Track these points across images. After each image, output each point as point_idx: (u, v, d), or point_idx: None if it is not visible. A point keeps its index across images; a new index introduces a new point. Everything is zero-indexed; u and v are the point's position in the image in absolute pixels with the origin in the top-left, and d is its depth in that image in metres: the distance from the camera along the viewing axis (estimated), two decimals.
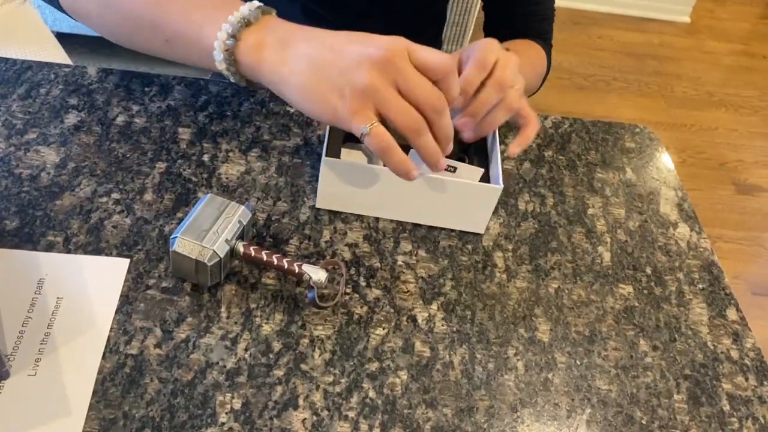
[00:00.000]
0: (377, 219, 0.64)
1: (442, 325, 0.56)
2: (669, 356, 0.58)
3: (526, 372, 0.54)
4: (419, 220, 0.64)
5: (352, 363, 0.53)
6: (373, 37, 0.51)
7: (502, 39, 0.81)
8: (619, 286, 0.63)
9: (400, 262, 0.60)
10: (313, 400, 0.50)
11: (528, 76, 0.74)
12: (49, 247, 0.56)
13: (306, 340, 0.53)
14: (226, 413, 0.48)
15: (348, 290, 0.57)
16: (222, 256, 0.52)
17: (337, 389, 0.51)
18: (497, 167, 0.62)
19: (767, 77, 2.62)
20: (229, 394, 0.49)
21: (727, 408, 0.55)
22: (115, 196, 0.61)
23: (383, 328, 0.55)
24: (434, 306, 0.58)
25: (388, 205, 0.63)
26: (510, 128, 0.76)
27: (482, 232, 0.64)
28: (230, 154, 0.67)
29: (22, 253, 0.55)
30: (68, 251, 0.56)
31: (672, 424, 0.53)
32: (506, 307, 0.59)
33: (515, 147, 0.64)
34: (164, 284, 0.55)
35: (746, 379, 0.57)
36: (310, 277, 0.52)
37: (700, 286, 0.64)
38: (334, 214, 0.63)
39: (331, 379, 0.51)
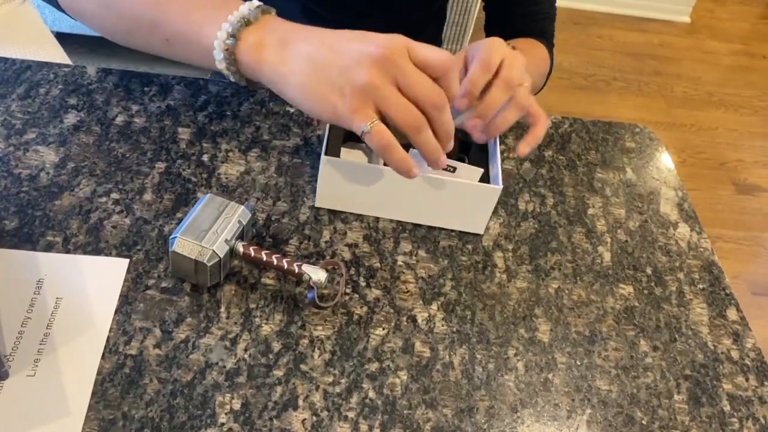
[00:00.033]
0: (377, 219, 0.64)
1: (442, 326, 0.56)
2: (669, 356, 0.58)
3: (526, 372, 0.54)
4: (419, 220, 0.64)
5: (351, 363, 0.53)
6: (372, 36, 0.51)
7: (503, 39, 0.81)
8: (619, 286, 0.63)
9: (400, 263, 0.60)
10: (313, 400, 0.50)
11: (533, 74, 0.74)
12: (49, 248, 0.56)
13: (306, 341, 0.53)
14: (226, 414, 0.48)
15: (348, 290, 0.57)
16: (221, 256, 0.52)
17: (337, 389, 0.51)
18: (497, 167, 0.62)
19: (767, 77, 2.62)
20: (229, 395, 0.49)
21: (727, 408, 0.55)
22: (115, 196, 0.61)
23: (383, 329, 0.55)
24: (434, 306, 0.58)
25: (388, 204, 0.62)
26: (511, 128, 0.76)
27: (481, 232, 0.64)
28: (230, 154, 0.67)
29: (22, 253, 0.55)
30: (67, 251, 0.56)
31: (672, 424, 0.53)
32: (506, 307, 0.59)
33: (525, 147, 0.63)
34: (164, 284, 0.55)
35: (747, 380, 0.57)
36: (310, 278, 0.52)
37: (701, 286, 0.64)
38: (334, 214, 0.63)
39: (330, 379, 0.51)
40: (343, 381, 0.51)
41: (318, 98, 0.51)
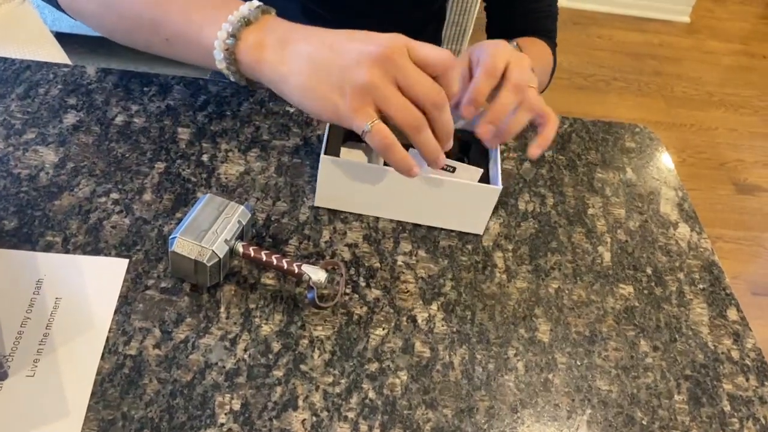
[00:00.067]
0: (377, 219, 0.64)
1: (442, 326, 0.56)
2: (669, 357, 0.58)
3: (527, 372, 0.54)
4: (418, 220, 0.64)
5: (351, 363, 0.52)
6: (372, 35, 0.51)
7: (506, 38, 0.81)
8: (619, 286, 0.62)
9: (399, 263, 0.60)
10: (313, 400, 0.50)
11: (537, 74, 0.74)
12: (48, 248, 0.56)
13: (305, 341, 0.53)
14: (226, 414, 0.48)
15: (348, 290, 0.57)
16: (221, 256, 0.51)
17: (337, 390, 0.51)
18: (497, 167, 0.62)
19: (767, 77, 2.62)
20: (229, 395, 0.49)
21: (727, 408, 0.55)
22: (114, 196, 0.61)
23: (383, 329, 0.55)
24: (434, 306, 0.57)
25: (387, 204, 0.62)
26: None
27: (481, 232, 0.64)
28: (229, 154, 0.67)
29: (21, 253, 0.55)
30: (67, 251, 0.56)
31: (672, 424, 0.53)
32: (506, 307, 0.59)
33: (536, 149, 0.61)
34: (163, 284, 0.55)
35: (747, 380, 0.57)
36: (310, 278, 0.52)
37: (701, 286, 0.64)
38: (334, 214, 0.63)
39: (330, 379, 0.51)
40: (343, 381, 0.51)
41: (318, 97, 0.51)
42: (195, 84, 0.73)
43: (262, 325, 0.54)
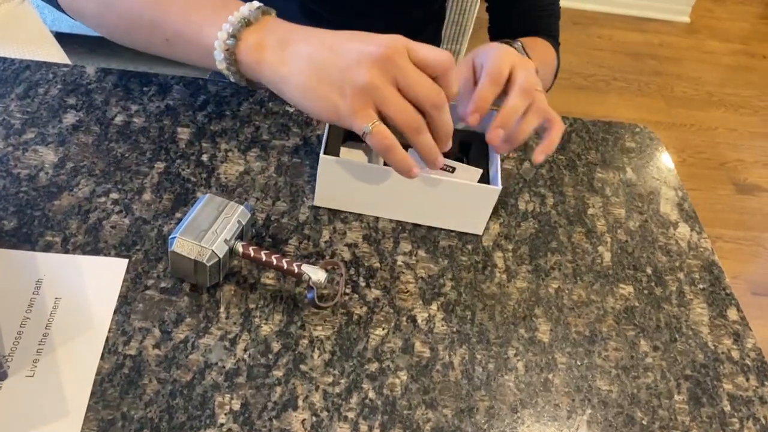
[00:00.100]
0: (377, 219, 0.63)
1: (442, 326, 0.56)
2: (669, 356, 0.58)
3: (527, 372, 0.54)
4: (417, 220, 0.64)
5: (351, 363, 0.52)
6: (372, 36, 0.51)
7: (508, 38, 0.80)
8: (619, 286, 0.62)
9: (399, 263, 0.60)
10: (313, 400, 0.50)
11: (542, 74, 0.73)
12: (48, 248, 0.56)
13: (305, 341, 0.53)
14: (225, 414, 0.48)
15: (347, 290, 0.57)
16: (221, 256, 0.51)
17: (337, 390, 0.51)
18: (496, 167, 0.62)
19: (767, 77, 2.62)
20: (228, 395, 0.49)
21: (728, 408, 0.55)
22: (114, 196, 0.61)
23: (383, 329, 0.55)
24: (434, 306, 0.57)
25: (387, 204, 0.62)
26: None
27: (480, 233, 0.64)
28: (229, 153, 0.67)
29: (20, 253, 0.55)
30: (66, 251, 0.56)
31: (673, 424, 0.53)
32: (506, 307, 0.59)
33: (540, 154, 0.61)
34: (163, 284, 0.55)
35: (747, 380, 0.57)
36: (310, 278, 0.52)
37: (701, 286, 0.64)
38: (334, 214, 0.63)
39: (330, 379, 0.51)
40: (342, 381, 0.51)
41: (318, 98, 0.51)
42: (194, 84, 0.73)
43: (262, 325, 0.54)
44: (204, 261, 0.51)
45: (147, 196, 0.61)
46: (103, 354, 0.50)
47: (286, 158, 0.67)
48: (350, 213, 0.63)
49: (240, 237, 0.54)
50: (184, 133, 0.68)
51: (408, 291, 0.58)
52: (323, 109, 0.51)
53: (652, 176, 0.75)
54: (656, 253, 0.66)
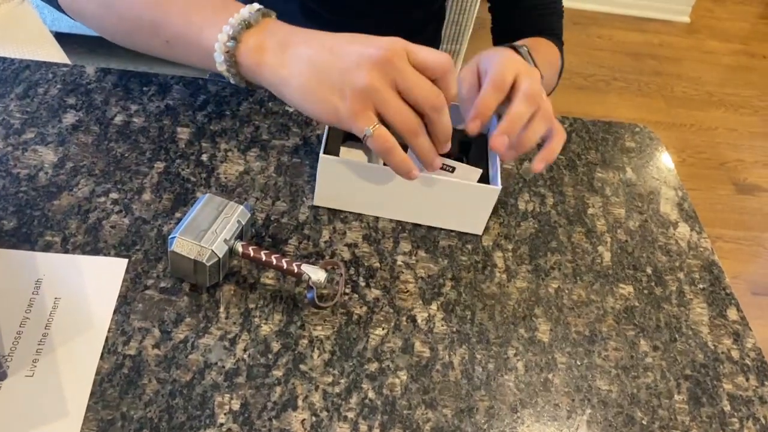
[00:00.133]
0: (377, 219, 0.63)
1: (442, 326, 0.56)
2: (669, 356, 0.58)
3: (526, 372, 0.54)
4: (417, 219, 0.63)
5: (351, 363, 0.52)
6: (372, 38, 0.51)
7: (511, 38, 0.80)
8: (619, 286, 0.62)
9: (399, 262, 0.60)
10: (312, 400, 0.50)
11: (547, 75, 0.73)
12: (47, 247, 0.56)
13: (305, 341, 0.53)
14: (225, 414, 0.48)
15: (347, 290, 0.57)
16: (220, 256, 0.51)
17: (337, 390, 0.51)
18: (496, 167, 0.62)
19: (767, 77, 2.62)
20: (228, 395, 0.49)
21: (727, 408, 0.55)
22: (114, 195, 0.61)
23: (383, 329, 0.55)
24: (434, 306, 0.57)
25: (386, 204, 0.62)
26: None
27: (480, 233, 0.64)
28: (229, 153, 0.67)
29: (20, 253, 0.55)
30: (66, 251, 0.56)
31: (673, 424, 0.53)
32: (506, 307, 0.59)
33: (539, 162, 0.59)
34: (162, 284, 0.55)
35: (747, 380, 0.57)
36: (309, 277, 0.52)
37: (701, 286, 0.64)
38: (334, 214, 0.63)
39: (330, 379, 0.51)
40: (342, 381, 0.51)
41: (318, 100, 0.51)
42: (194, 84, 0.73)
43: (262, 324, 0.54)
44: (204, 261, 0.51)
45: (147, 195, 0.61)
46: (102, 354, 0.50)
47: (285, 158, 0.67)
48: (350, 213, 0.63)
49: (240, 237, 0.54)
50: (183, 133, 0.68)
51: (408, 291, 0.58)
52: (323, 111, 0.51)
53: (652, 176, 0.75)
54: (656, 253, 0.66)
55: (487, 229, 0.65)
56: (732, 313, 0.62)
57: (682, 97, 2.43)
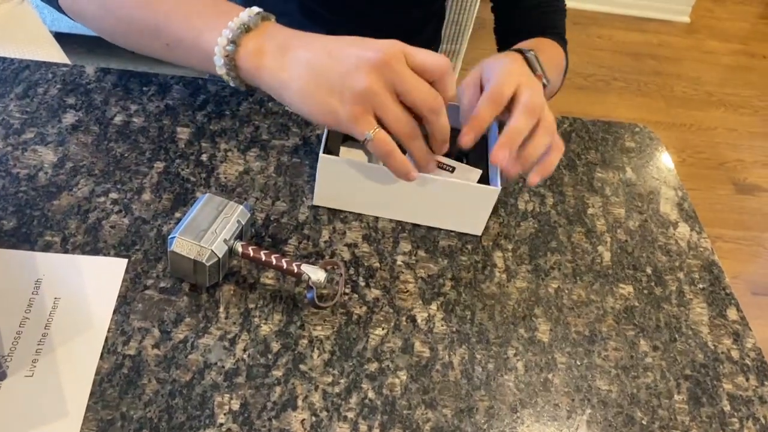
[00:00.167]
0: (376, 219, 0.63)
1: (442, 326, 0.56)
2: (669, 356, 0.58)
3: (526, 372, 0.54)
4: (416, 220, 0.63)
5: (351, 363, 0.52)
6: (370, 42, 0.52)
7: (514, 37, 0.80)
8: (619, 285, 0.62)
9: (399, 262, 0.60)
10: (312, 400, 0.50)
11: (554, 78, 0.73)
12: (47, 247, 0.56)
13: (305, 341, 0.53)
14: (225, 414, 0.48)
15: (347, 290, 0.57)
16: (220, 256, 0.51)
17: (336, 390, 0.51)
18: (496, 169, 0.62)
19: (766, 77, 2.62)
20: (228, 395, 0.49)
21: (727, 408, 0.55)
22: (113, 195, 0.61)
23: (382, 329, 0.55)
24: (434, 306, 0.57)
25: (385, 204, 0.62)
26: None
27: (479, 234, 0.64)
28: (229, 153, 0.67)
29: (20, 253, 0.55)
30: (66, 251, 0.56)
31: (672, 424, 0.53)
32: (506, 307, 0.59)
33: (536, 176, 0.58)
34: (162, 284, 0.55)
35: (747, 380, 0.57)
36: (309, 277, 0.52)
37: (701, 285, 0.64)
38: (333, 214, 0.63)
39: (330, 379, 0.51)
40: (342, 381, 0.51)
41: (318, 103, 0.51)
42: (194, 84, 0.73)
43: (262, 324, 0.54)
44: (203, 261, 0.51)
45: (146, 195, 0.61)
46: (102, 354, 0.50)
47: (285, 158, 0.67)
48: (350, 213, 0.63)
49: (239, 237, 0.54)
50: (183, 133, 0.68)
51: (408, 291, 0.58)
52: (323, 114, 0.52)
53: (651, 176, 0.75)
54: (656, 253, 0.66)
55: (486, 229, 0.65)
56: (732, 313, 0.62)
57: (682, 97, 2.43)
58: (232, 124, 0.70)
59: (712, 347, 0.59)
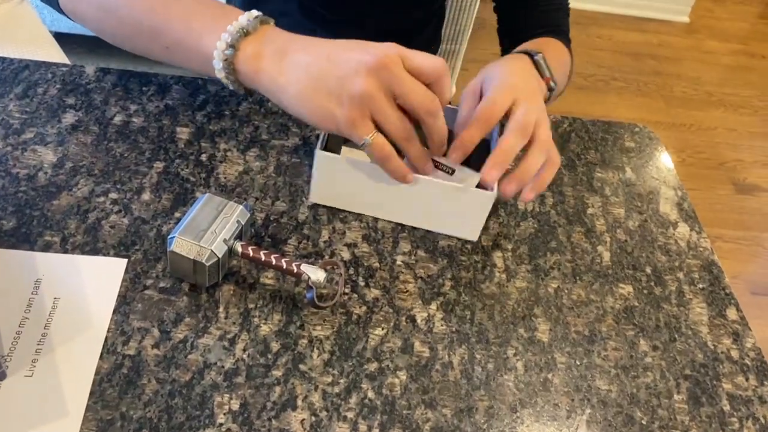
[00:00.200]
0: (376, 219, 0.63)
1: (442, 325, 0.56)
2: (669, 356, 0.58)
3: (526, 372, 0.54)
4: (412, 222, 0.63)
5: (351, 363, 0.52)
6: (368, 45, 0.52)
7: (518, 36, 0.80)
8: (618, 285, 0.62)
9: (399, 262, 0.60)
10: (312, 400, 0.50)
11: (560, 80, 0.73)
12: (47, 247, 0.56)
13: (305, 341, 0.53)
14: (225, 414, 0.48)
15: (347, 290, 0.57)
16: (220, 256, 0.51)
17: (336, 390, 0.51)
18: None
19: (766, 77, 2.62)
20: (228, 395, 0.49)
21: (727, 408, 0.55)
22: (113, 195, 0.61)
23: (382, 329, 0.55)
24: (433, 306, 0.57)
25: (382, 204, 0.62)
26: None
27: (475, 239, 0.63)
28: (228, 153, 0.67)
29: (19, 253, 0.55)
30: (65, 251, 0.56)
31: (672, 424, 0.53)
32: (506, 307, 0.59)
33: (530, 192, 0.58)
34: (162, 284, 0.55)
35: (746, 379, 0.57)
36: (309, 277, 0.52)
37: (700, 285, 0.64)
38: (333, 214, 0.63)
39: (329, 379, 0.51)
40: (342, 381, 0.51)
41: (316, 107, 0.52)
42: (194, 84, 0.73)
43: (261, 324, 0.54)
44: (203, 261, 0.51)
45: (146, 195, 0.61)
46: (102, 354, 0.50)
47: (285, 158, 0.67)
48: (350, 213, 0.63)
49: (239, 237, 0.54)
50: (183, 133, 0.68)
51: (407, 291, 0.58)
52: (321, 117, 0.52)
53: (651, 176, 0.75)
54: (656, 253, 0.66)
55: (486, 229, 0.65)
56: (731, 313, 0.62)
57: (682, 97, 2.43)
58: (231, 124, 0.70)
59: (712, 347, 0.59)
